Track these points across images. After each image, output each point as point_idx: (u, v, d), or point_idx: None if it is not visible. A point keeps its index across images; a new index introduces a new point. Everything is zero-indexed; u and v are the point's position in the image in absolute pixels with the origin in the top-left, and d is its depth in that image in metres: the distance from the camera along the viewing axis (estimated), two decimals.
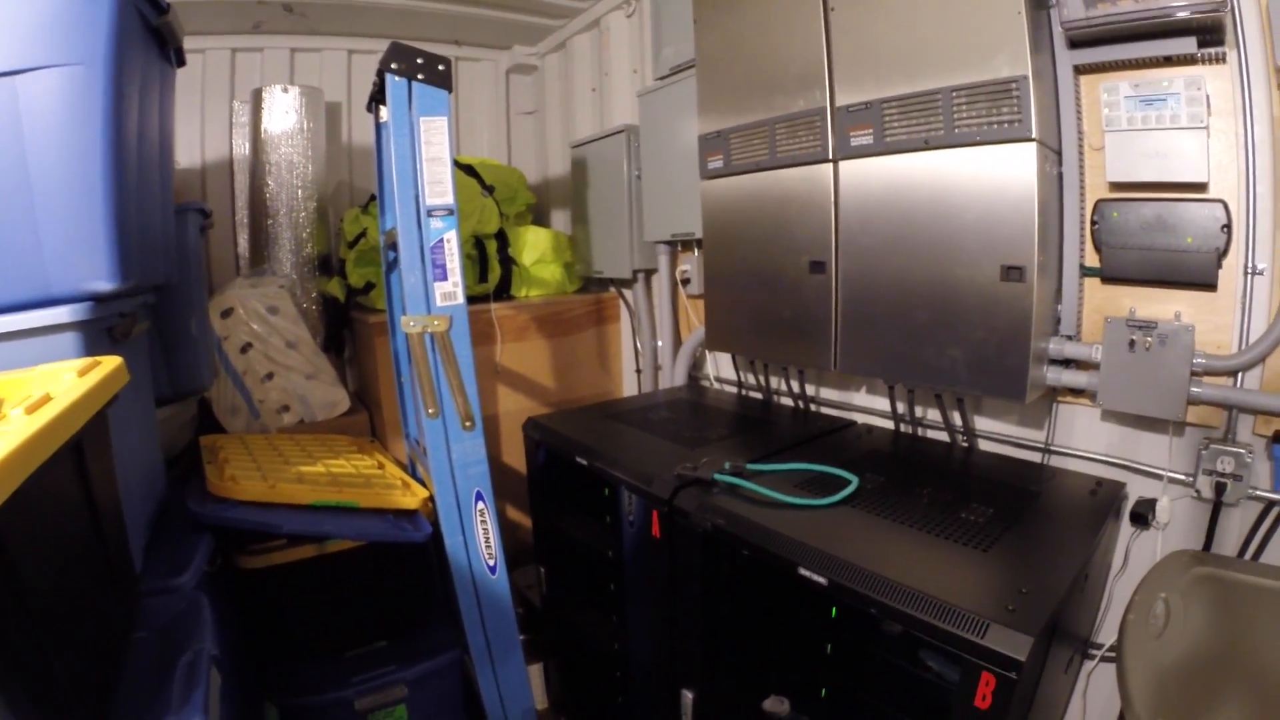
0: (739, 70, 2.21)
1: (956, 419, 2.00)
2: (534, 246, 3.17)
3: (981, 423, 2.03)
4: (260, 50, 3.27)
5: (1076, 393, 1.79)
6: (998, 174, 1.64)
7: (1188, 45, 1.55)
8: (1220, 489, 1.57)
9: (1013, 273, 1.62)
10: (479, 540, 1.94)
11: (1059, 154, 1.75)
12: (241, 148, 3.20)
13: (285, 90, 3.03)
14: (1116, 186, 1.71)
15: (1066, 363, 1.75)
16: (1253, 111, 1.54)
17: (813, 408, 2.48)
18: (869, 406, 2.34)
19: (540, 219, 3.75)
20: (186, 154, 3.15)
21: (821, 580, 1.31)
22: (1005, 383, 1.66)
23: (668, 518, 1.71)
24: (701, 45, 2.33)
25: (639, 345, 3.20)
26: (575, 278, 3.37)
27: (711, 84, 2.32)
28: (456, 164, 2.92)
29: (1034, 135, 1.57)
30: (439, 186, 1.90)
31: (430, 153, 1.89)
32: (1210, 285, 1.60)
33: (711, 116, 2.33)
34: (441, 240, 1.90)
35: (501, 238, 3.07)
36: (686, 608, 1.73)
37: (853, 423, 2.29)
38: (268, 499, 1.94)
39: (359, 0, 3.00)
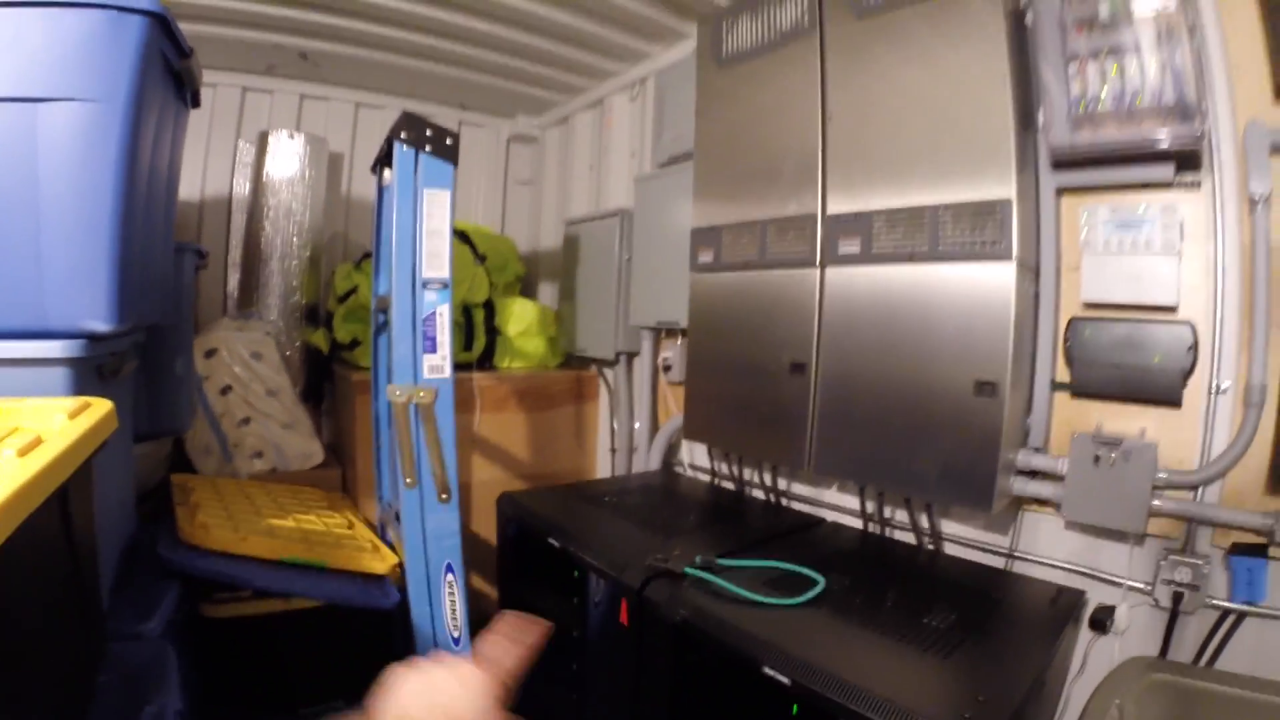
0: (736, 168, 2.32)
1: (924, 521, 2.06)
2: (520, 318, 3.23)
3: (948, 526, 2.09)
4: (271, 92, 3.37)
5: (1042, 502, 1.86)
6: (977, 291, 1.73)
7: (1165, 172, 1.67)
8: (1178, 598, 1.63)
9: (985, 388, 1.70)
10: (446, 611, 1.96)
11: (1037, 272, 1.85)
12: (242, 188, 3.27)
13: (291, 136, 3.11)
14: (1090, 305, 1.81)
15: (1033, 474, 1.82)
16: (1224, 236, 1.65)
17: (784, 502, 2.53)
18: (839, 504, 2.39)
19: (529, 290, 3.84)
20: (187, 188, 3.15)
21: (785, 680, 1.35)
22: (973, 493, 1.72)
23: (637, 607, 1.74)
24: (701, 139, 2.45)
25: (616, 426, 3.25)
26: (558, 352, 3.43)
27: (708, 178, 2.43)
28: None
29: (1014, 255, 1.67)
30: (436, 259, 1.96)
31: (431, 225, 1.95)
32: (1175, 403, 1.69)
33: (705, 210, 2.43)
34: (434, 313, 1.95)
35: (489, 307, 3.14)
36: (651, 695, 1.75)
37: (822, 520, 2.33)
38: (238, 550, 1.96)
39: (372, 56, 3.11)
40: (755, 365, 2.22)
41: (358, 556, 2.12)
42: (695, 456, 2.92)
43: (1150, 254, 1.70)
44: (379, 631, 2.22)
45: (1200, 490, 1.66)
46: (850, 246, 1.97)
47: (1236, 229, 1.64)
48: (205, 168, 3.28)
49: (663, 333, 2.96)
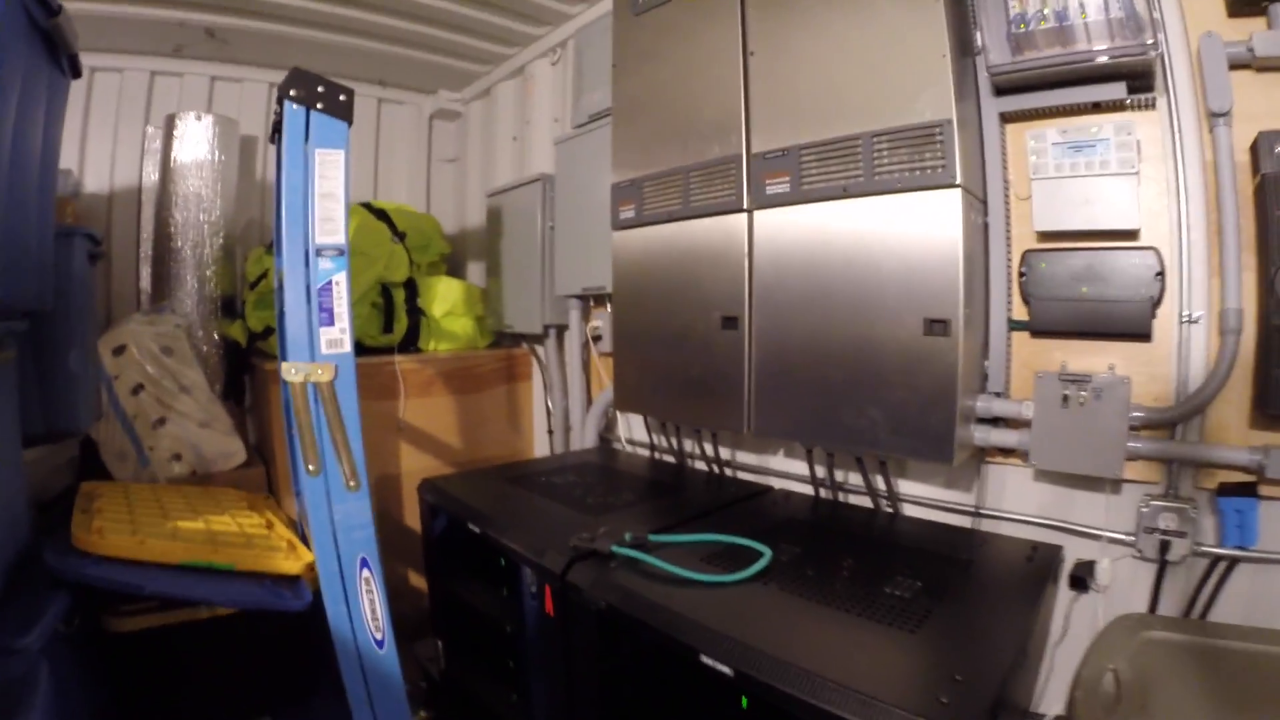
0: (655, 117, 2.04)
1: (879, 482, 1.79)
2: (445, 298, 2.88)
3: (906, 486, 1.81)
4: (180, 75, 3.00)
5: (1007, 452, 1.61)
6: (921, 223, 1.48)
7: (1117, 91, 1.45)
8: (1164, 547, 1.40)
9: (937, 326, 1.45)
10: (364, 611, 1.66)
11: (984, 203, 1.61)
12: (151, 176, 2.91)
13: (199, 118, 2.76)
14: (1045, 236, 1.58)
15: (995, 421, 1.58)
16: (1184, 156, 1.44)
17: (728, 472, 2.23)
18: (787, 471, 2.10)
19: (455, 270, 3.49)
20: (95, 179, 2.88)
21: (727, 671, 1.08)
22: (931, 444, 1.46)
23: (560, 594, 1.45)
24: (619, 92, 2.16)
25: (551, 404, 2.91)
26: (487, 332, 3.07)
27: (627, 131, 2.14)
28: (370, 208, 2.70)
29: (958, 181, 1.42)
30: (330, 224, 1.68)
31: (324, 187, 1.67)
32: (1145, 335, 1.47)
33: (626, 164, 2.13)
34: (330, 282, 1.67)
35: (410, 287, 2.78)
36: (583, 692, 1.46)
37: (769, 489, 2.04)
38: (134, 556, 1.67)
39: (282, 31, 2.77)
40: (684, 324, 1.93)
41: (269, 556, 1.82)
42: (633, 430, 2.61)
43: (1105, 175, 1.47)
44: (299, 638, 1.92)
45: (1179, 428, 1.42)
46: (779, 185, 1.71)
47: (1197, 149, 1.43)
48: (114, 157, 2.92)
49: (591, 301, 2.64)
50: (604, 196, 2.20)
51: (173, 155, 2.73)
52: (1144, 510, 1.42)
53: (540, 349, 2.92)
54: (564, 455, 2.73)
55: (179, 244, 2.72)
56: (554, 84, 2.84)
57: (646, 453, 2.50)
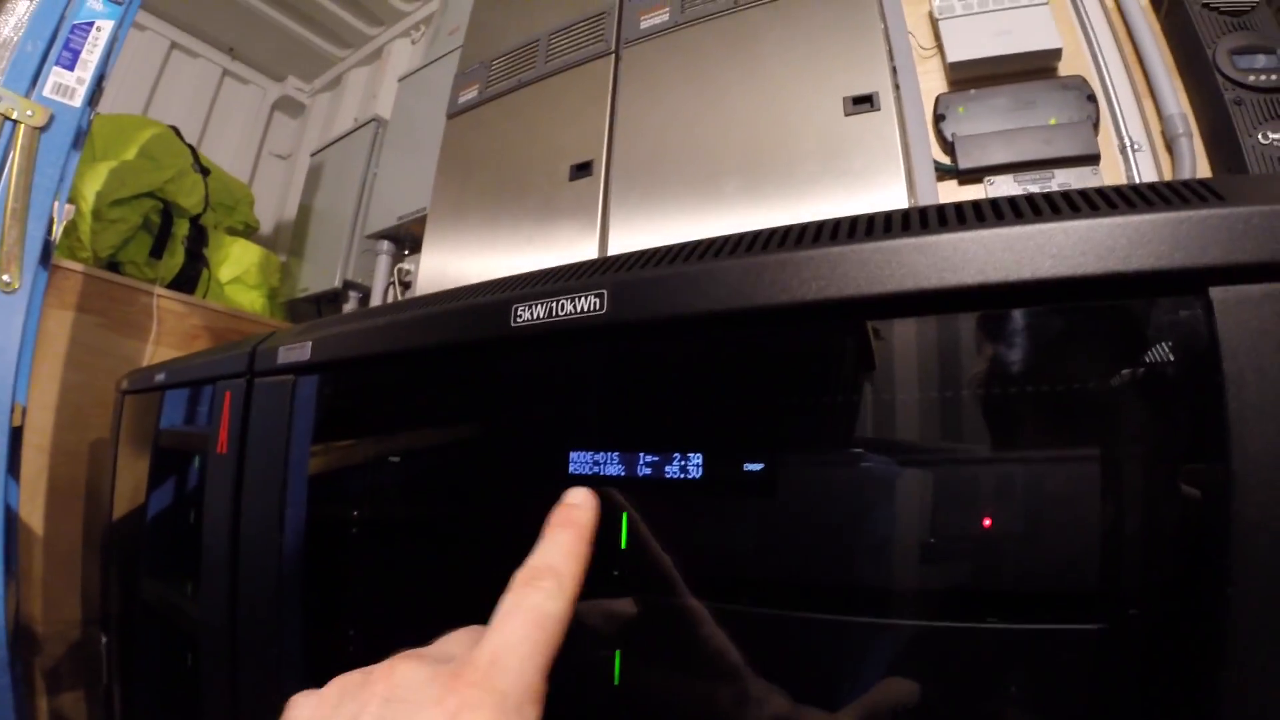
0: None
1: None
2: (237, 261, 2.01)
3: None
4: None
5: None
6: (832, 12, 1.03)
7: None
8: None
9: (862, 103, 0.92)
10: None
11: (890, 52, 1.13)
12: None
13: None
14: (959, 82, 1.15)
15: None
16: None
17: None
18: None
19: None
20: None
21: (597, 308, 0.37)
22: None
23: (243, 398, 0.64)
24: None
25: None
26: (279, 311, 2.14)
27: (487, 18, 1.58)
28: (179, 135, 1.91)
29: None
30: None
31: None
32: (1092, 156, 1.02)
33: (473, 51, 1.55)
34: (93, 25, 1.02)
35: (198, 229, 1.89)
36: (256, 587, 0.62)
37: None
38: None
39: None
40: (517, 189, 1.27)
41: None
42: None
43: (1016, 8, 1.10)
44: None
45: None
46: (655, 18, 1.22)
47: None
48: None
49: (406, 250, 1.84)
50: (442, 130, 1.56)
51: None
52: None
53: None
54: None
55: None
56: (410, 63, 2.23)
57: None
